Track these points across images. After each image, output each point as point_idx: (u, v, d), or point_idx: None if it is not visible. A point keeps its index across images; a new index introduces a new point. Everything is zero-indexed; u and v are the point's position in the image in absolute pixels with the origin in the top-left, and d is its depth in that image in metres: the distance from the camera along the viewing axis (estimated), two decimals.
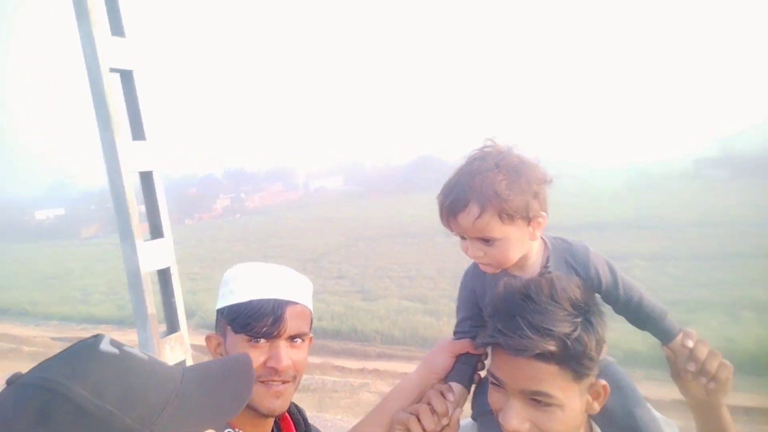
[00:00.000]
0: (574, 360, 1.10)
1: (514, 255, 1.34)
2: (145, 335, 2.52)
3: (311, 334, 1.47)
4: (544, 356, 1.09)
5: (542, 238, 1.42)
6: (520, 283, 1.18)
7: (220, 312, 1.44)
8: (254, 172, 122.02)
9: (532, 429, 1.15)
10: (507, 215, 1.28)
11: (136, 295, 2.47)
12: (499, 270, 1.35)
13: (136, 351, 0.89)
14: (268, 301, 1.35)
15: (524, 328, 1.09)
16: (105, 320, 23.72)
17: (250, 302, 1.36)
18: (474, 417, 1.48)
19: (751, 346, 13.50)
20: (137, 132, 2.53)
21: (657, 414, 1.43)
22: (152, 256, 2.53)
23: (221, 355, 1.44)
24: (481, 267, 1.38)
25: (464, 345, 1.46)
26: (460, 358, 1.45)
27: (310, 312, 1.47)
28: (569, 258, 1.39)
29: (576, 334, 1.10)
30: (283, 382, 1.36)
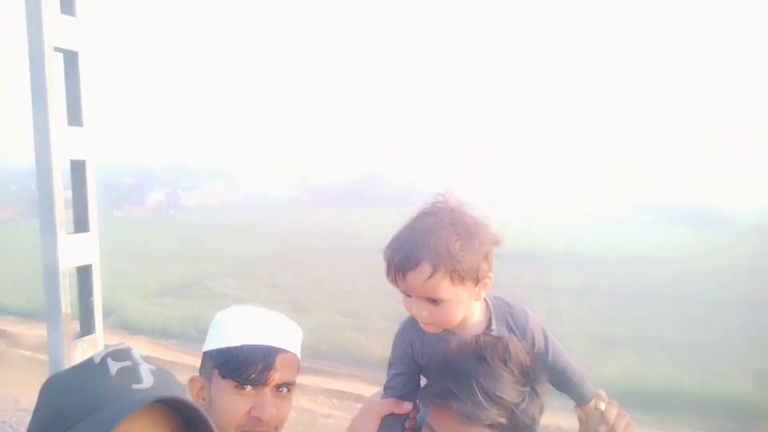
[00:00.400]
0: (518, 430, 1.13)
1: (458, 316, 1.32)
2: (56, 335, 2.35)
3: (296, 384, 1.46)
4: (492, 426, 1.10)
5: (484, 299, 1.42)
6: (474, 343, 1.19)
7: (208, 354, 1.43)
8: (195, 168, 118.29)
9: None
10: (458, 276, 1.25)
11: (51, 291, 2.30)
12: (441, 330, 1.33)
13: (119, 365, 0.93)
14: (260, 347, 1.34)
15: (478, 393, 1.08)
16: (12, 311, 22.07)
17: (242, 347, 1.34)
18: None
19: (660, 385, 14.29)
20: (74, 117, 2.35)
21: None
22: (74, 250, 2.36)
23: (204, 399, 1.40)
24: (423, 326, 1.34)
25: (392, 405, 1.38)
26: (386, 420, 1.37)
27: (299, 360, 1.47)
28: (510, 320, 1.39)
29: (524, 405, 1.11)
30: None
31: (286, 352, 1.40)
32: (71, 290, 2.45)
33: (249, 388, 1.33)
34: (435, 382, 1.17)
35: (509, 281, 27.47)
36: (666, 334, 19.12)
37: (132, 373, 0.92)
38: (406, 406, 1.35)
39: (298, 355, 1.48)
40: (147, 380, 0.92)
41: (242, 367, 1.32)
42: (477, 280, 1.30)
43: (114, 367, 0.91)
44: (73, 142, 2.34)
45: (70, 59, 2.38)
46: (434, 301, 1.26)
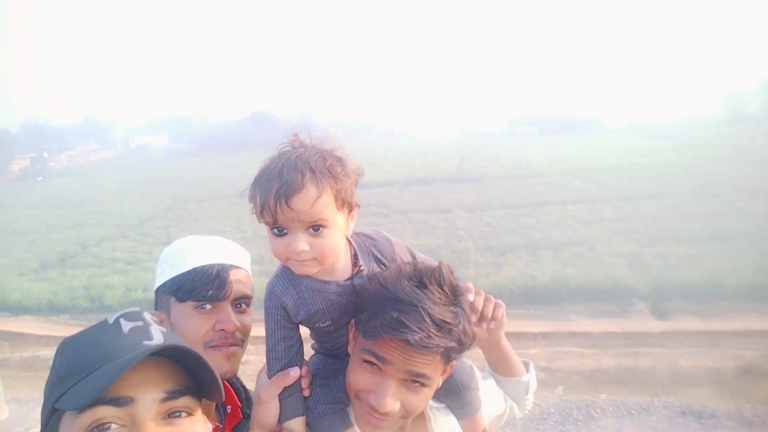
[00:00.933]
0: (458, 351, 1.17)
1: (339, 245, 1.27)
2: None
3: (253, 299, 1.46)
4: (444, 351, 1.13)
5: (346, 238, 1.36)
6: (410, 269, 1.18)
7: (161, 288, 1.44)
8: (60, 126, 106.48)
9: (400, 409, 1.19)
10: (340, 199, 1.22)
11: None
12: (319, 268, 1.25)
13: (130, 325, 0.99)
14: (212, 266, 1.38)
15: (427, 321, 1.09)
16: None
17: (194, 269, 1.37)
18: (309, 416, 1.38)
19: (548, 281, 15.78)
20: None
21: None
22: None
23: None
24: (300, 266, 1.24)
25: (280, 381, 1.31)
26: (282, 394, 1.32)
27: (251, 278, 1.47)
28: (376, 252, 1.35)
29: (463, 326, 1.15)
30: (232, 345, 1.37)
31: (239, 267, 1.43)
32: None
33: (208, 306, 1.36)
34: (379, 314, 1.14)
35: (408, 206, 28.42)
36: (550, 235, 20.93)
37: (143, 331, 0.96)
38: (294, 373, 1.30)
39: (249, 272, 1.48)
40: (157, 338, 0.95)
41: (198, 286, 1.36)
42: (351, 208, 1.27)
43: (126, 326, 0.97)
44: None
45: None
46: (316, 230, 1.20)
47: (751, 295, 14.15)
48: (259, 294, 1.45)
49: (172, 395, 0.91)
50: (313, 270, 1.25)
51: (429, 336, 1.10)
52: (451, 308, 1.15)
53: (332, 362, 1.41)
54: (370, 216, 26.38)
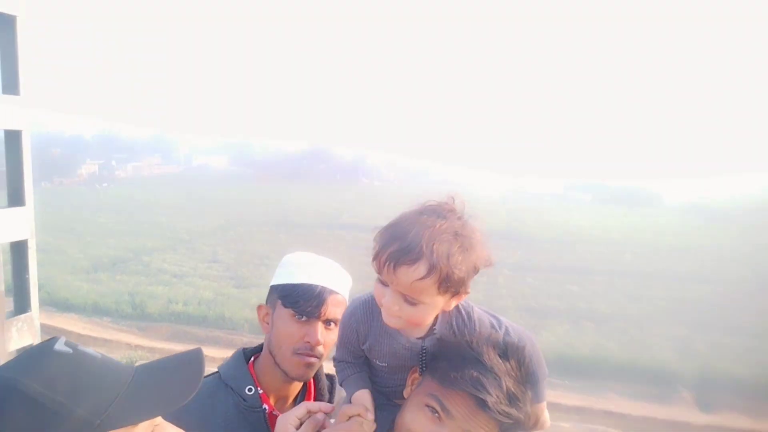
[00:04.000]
0: (518, 429, 1.19)
1: (428, 321, 1.28)
2: None
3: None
4: (505, 421, 1.15)
5: None
6: (498, 338, 1.23)
7: (274, 287, 1.66)
8: (130, 139, 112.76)
9: None
10: (445, 286, 1.20)
11: None
12: (404, 327, 1.28)
13: (89, 350, 0.97)
14: (317, 286, 1.58)
15: (502, 392, 1.14)
16: None
17: (302, 284, 1.58)
18: None
19: (588, 353, 15.19)
20: (10, 85, 2.21)
21: None
22: (8, 225, 2.26)
23: (268, 323, 1.65)
24: (386, 318, 1.28)
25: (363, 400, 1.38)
26: (348, 369, 1.41)
27: (346, 303, 1.63)
28: (454, 325, 1.35)
29: (527, 408, 1.18)
30: (313, 356, 1.56)
31: (337, 293, 1.61)
32: (4, 267, 2.35)
33: (304, 318, 1.55)
34: (460, 368, 1.18)
35: None
36: (595, 306, 20.24)
37: (91, 352, 0.97)
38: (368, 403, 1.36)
39: (347, 298, 1.66)
40: (103, 354, 0.99)
41: (301, 300, 1.56)
42: (458, 294, 1.26)
43: (89, 350, 0.97)
44: (9, 112, 2.20)
45: (7, 23, 2.24)
46: (410, 301, 1.21)
47: None
48: None
49: None
50: (397, 326, 1.28)
51: (501, 403, 1.13)
52: (521, 387, 1.18)
53: (378, 397, 1.42)
54: None
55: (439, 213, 1.23)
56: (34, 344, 2.61)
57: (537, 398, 1.35)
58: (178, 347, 15.63)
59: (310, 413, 1.39)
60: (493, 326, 1.37)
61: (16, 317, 2.44)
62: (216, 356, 15.21)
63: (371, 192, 63.68)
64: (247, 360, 1.70)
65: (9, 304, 2.43)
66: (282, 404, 1.66)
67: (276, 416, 1.56)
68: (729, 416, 12.52)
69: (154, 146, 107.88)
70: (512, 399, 1.16)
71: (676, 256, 29.54)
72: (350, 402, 1.39)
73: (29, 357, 0.93)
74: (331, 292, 1.59)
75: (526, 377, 1.21)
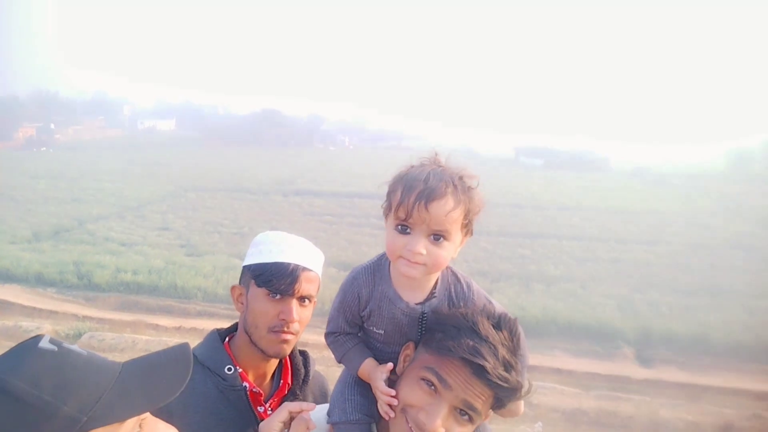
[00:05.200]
0: (512, 397, 1.24)
1: (446, 263, 1.34)
2: None
3: (316, 299, 1.70)
4: (501, 386, 1.20)
5: None
6: (491, 310, 1.30)
7: (247, 267, 1.69)
8: (70, 99, 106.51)
9: None
10: (466, 219, 1.30)
11: None
12: (424, 275, 1.33)
13: (75, 348, 0.97)
14: (290, 264, 1.61)
15: (498, 358, 1.19)
16: None
17: (275, 263, 1.61)
18: (332, 421, 1.44)
19: (537, 313, 15.80)
20: None
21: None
22: None
23: (242, 303, 1.70)
24: (408, 267, 1.30)
25: (377, 371, 1.40)
26: (347, 343, 1.47)
27: (320, 279, 1.71)
28: (452, 291, 1.41)
29: (520, 375, 1.22)
30: (289, 333, 1.61)
31: (310, 270, 1.65)
32: None
33: (278, 296, 1.60)
34: (456, 338, 1.21)
35: None
36: (544, 268, 20.98)
37: (77, 350, 0.98)
38: (389, 366, 1.38)
39: (320, 274, 1.72)
40: (89, 352, 0.99)
41: (274, 278, 1.59)
42: (467, 233, 1.35)
43: (74, 347, 0.98)
44: None
45: None
46: (437, 238, 1.28)
47: (736, 352, 14.18)
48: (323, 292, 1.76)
49: None
50: (418, 275, 1.31)
51: (497, 368, 1.18)
52: (515, 357, 1.23)
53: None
54: (367, 227, 26.43)
55: (438, 163, 1.33)
56: None
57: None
58: (128, 317, 15.29)
59: (291, 414, 1.40)
60: (488, 300, 1.43)
61: None
62: (169, 326, 15.02)
63: (326, 157, 63.01)
64: (222, 341, 1.72)
65: None
66: (260, 381, 1.72)
67: (256, 393, 1.66)
68: (667, 370, 13.38)
69: (95, 108, 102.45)
70: (507, 366, 1.20)
71: (621, 219, 30.82)
72: (357, 375, 1.44)
73: (13, 355, 0.92)
74: (304, 269, 1.63)
75: (518, 348, 1.26)
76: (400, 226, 1.30)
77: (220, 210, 30.14)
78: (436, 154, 1.36)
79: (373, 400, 1.40)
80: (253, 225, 25.65)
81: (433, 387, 1.24)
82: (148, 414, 1.03)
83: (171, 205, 31.27)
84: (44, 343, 0.94)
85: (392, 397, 1.32)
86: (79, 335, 13.36)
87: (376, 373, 1.38)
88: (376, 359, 1.46)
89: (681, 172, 57.09)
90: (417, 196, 1.25)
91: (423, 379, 1.25)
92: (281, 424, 1.38)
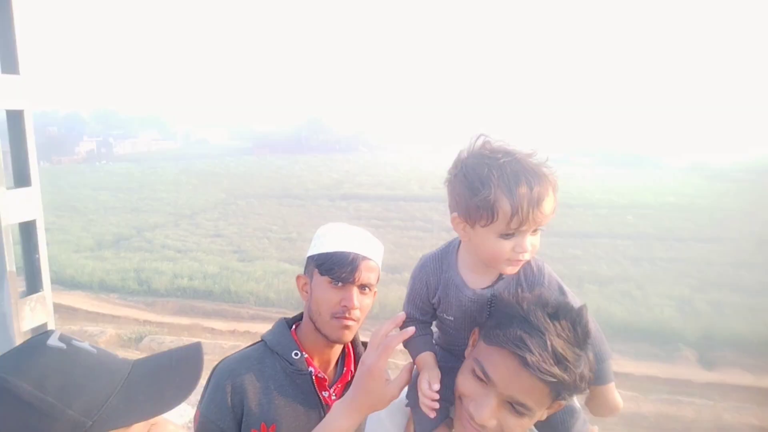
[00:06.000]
0: (570, 391, 1.17)
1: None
2: (2, 294, 2.27)
3: (376, 289, 1.77)
4: (550, 381, 1.13)
5: None
6: (550, 298, 1.23)
7: (311, 258, 1.77)
8: (127, 115, 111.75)
9: (496, 427, 1.21)
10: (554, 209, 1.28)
11: None
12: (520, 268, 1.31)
13: (85, 345, 0.94)
14: (350, 253, 1.68)
15: (548, 351, 1.12)
16: None
17: (336, 252, 1.69)
18: (410, 405, 1.46)
19: (592, 315, 15.34)
20: (9, 64, 2.17)
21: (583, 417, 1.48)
22: (16, 206, 2.25)
23: (307, 292, 1.78)
24: (515, 267, 1.30)
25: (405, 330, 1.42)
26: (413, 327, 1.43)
27: (379, 269, 1.78)
28: (522, 275, 1.37)
29: (582, 370, 1.14)
30: (350, 319, 1.67)
31: (370, 259, 1.71)
32: (14, 247, 2.36)
33: (340, 284, 1.67)
34: (505, 326, 1.18)
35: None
36: (597, 269, 20.37)
37: (87, 347, 0.96)
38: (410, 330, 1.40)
39: (380, 264, 1.78)
40: (99, 348, 0.97)
41: (336, 267, 1.67)
42: None
43: (87, 345, 0.95)
44: (9, 91, 2.17)
45: (3, 1, 2.18)
46: (534, 231, 1.27)
47: None
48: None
49: None
50: (516, 270, 1.32)
51: (544, 362, 1.11)
52: (575, 349, 1.16)
53: (449, 358, 1.46)
54: (413, 230, 26.44)
55: (504, 150, 1.27)
56: (48, 323, 2.65)
57: (602, 380, 1.35)
58: (186, 321, 15.86)
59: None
60: (561, 289, 1.38)
61: (28, 297, 2.46)
62: (223, 329, 15.50)
63: (371, 161, 63.47)
64: (289, 328, 1.80)
65: (21, 284, 2.45)
66: (325, 368, 1.79)
67: (321, 378, 1.74)
68: (730, 373, 12.74)
69: (150, 123, 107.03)
70: (559, 359, 1.12)
71: (678, 217, 29.60)
72: (413, 362, 1.45)
73: (21, 354, 0.89)
74: (364, 258, 1.70)
75: (582, 340, 1.18)
76: (505, 233, 1.26)
77: (269, 216, 30.82)
78: (487, 138, 1.31)
79: (449, 386, 1.36)
80: (301, 230, 26.11)
81: (481, 380, 1.22)
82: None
83: (223, 212, 32.24)
84: (53, 341, 0.91)
85: (436, 395, 1.30)
86: (140, 338, 14.00)
87: (425, 373, 1.37)
88: (451, 346, 1.47)
89: (742, 166, 54.30)
90: (529, 204, 1.21)
91: (473, 371, 1.24)
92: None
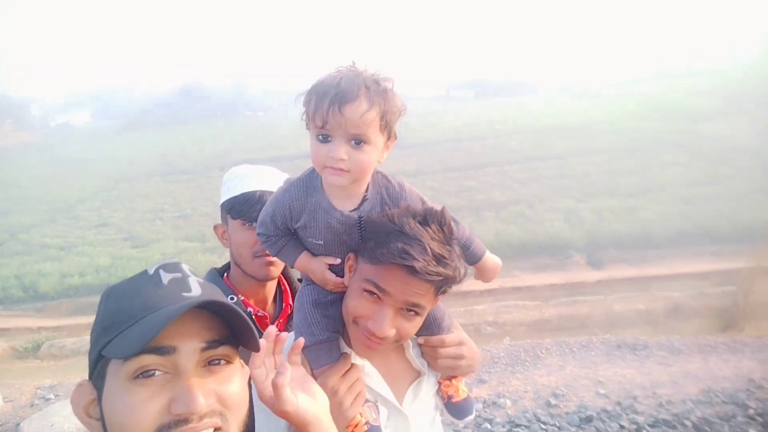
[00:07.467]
0: (451, 283, 1.30)
1: (372, 167, 1.35)
2: None
3: None
4: (437, 280, 1.25)
5: None
6: (417, 208, 1.32)
7: (222, 205, 1.83)
8: None
9: (395, 334, 1.33)
10: (384, 121, 1.30)
11: None
12: (350, 182, 1.34)
13: (185, 279, 1.04)
14: (256, 191, 1.74)
15: (428, 254, 1.22)
16: None
17: (243, 194, 1.75)
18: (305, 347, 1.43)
19: (492, 240, 16.29)
20: None
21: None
22: None
23: (226, 239, 1.84)
24: (334, 175, 1.31)
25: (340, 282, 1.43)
26: (277, 240, 1.48)
27: None
28: (385, 194, 1.43)
29: (455, 263, 1.27)
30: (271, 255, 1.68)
31: None
32: None
33: (253, 223, 1.68)
34: (385, 244, 1.25)
35: None
36: (491, 196, 21.54)
37: (182, 283, 1.03)
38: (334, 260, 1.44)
39: None
40: (195, 290, 1.02)
41: (245, 208, 1.72)
42: (390, 136, 1.36)
43: (166, 277, 1.03)
44: None
45: None
46: (357, 143, 1.28)
47: (677, 241, 15.19)
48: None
49: (211, 345, 0.98)
50: (344, 182, 1.32)
51: (429, 265, 1.22)
52: (447, 247, 1.27)
53: (325, 292, 1.49)
54: None
55: (354, 70, 1.31)
56: None
57: (477, 257, 1.54)
58: (84, 320, 14.74)
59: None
60: (421, 199, 1.46)
61: None
62: None
63: (257, 124, 61.25)
64: (221, 276, 1.87)
65: None
66: (263, 306, 1.85)
67: (262, 317, 1.80)
68: (616, 269, 14.22)
69: (3, 111, 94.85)
70: (439, 259, 1.24)
71: (555, 137, 31.75)
72: (293, 267, 1.50)
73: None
74: (270, 193, 1.65)
75: (450, 237, 1.30)
76: (320, 136, 1.30)
77: (157, 196, 29.02)
78: (353, 62, 1.34)
79: (334, 317, 1.45)
80: (195, 205, 24.89)
81: (375, 296, 1.30)
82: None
83: (104, 200, 29.82)
84: (164, 272, 1.04)
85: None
86: (38, 346, 12.84)
87: (316, 263, 1.44)
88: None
89: (605, 83, 58.95)
90: (330, 101, 1.25)
91: (365, 291, 1.31)
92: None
